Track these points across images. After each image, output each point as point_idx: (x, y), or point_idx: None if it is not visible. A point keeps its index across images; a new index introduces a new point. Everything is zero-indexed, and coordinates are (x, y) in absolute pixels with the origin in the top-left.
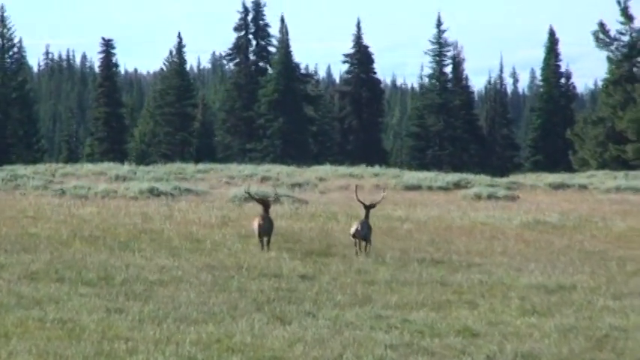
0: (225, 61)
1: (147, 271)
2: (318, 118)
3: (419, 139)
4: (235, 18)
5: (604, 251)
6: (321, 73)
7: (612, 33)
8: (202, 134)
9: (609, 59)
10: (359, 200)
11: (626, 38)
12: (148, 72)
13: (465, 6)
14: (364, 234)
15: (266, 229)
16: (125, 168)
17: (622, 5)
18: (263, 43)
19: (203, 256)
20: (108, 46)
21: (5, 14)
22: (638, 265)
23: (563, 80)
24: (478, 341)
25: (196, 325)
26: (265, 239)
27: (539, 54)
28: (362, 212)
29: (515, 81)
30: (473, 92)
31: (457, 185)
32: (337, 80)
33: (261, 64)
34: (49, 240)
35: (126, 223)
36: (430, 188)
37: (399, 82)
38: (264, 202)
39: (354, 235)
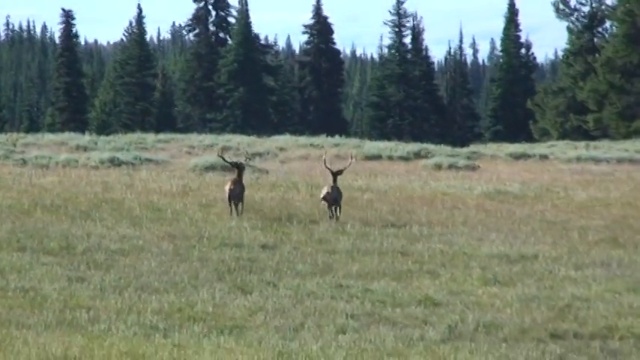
0: (184, 32)
1: (108, 240)
2: (278, 88)
3: (379, 109)
4: None
5: (565, 221)
6: (281, 44)
7: (572, 3)
8: (162, 104)
9: (569, 30)
10: (327, 167)
11: (586, 9)
12: (109, 42)
13: None
14: (334, 197)
15: (237, 193)
16: (86, 138)
17: None
18: (222, 13)
19: (164, 225)
20: (68, 16)
21: None
22: (599, 235)
23: (523, 50)
24: (440, 311)
25: (158, 294)
26: (235, 203)
27: (499, 24)
28: (330, 179)
29: (475, 51)
30: (433, 62)
31: (417, 155)
32: (297, 51)
33: (220, 34)
34: (11, 209)
35: (87, 192)
36: (390, 158)
37: (358, 53)
38: (238, 166)
39: (324, 198)
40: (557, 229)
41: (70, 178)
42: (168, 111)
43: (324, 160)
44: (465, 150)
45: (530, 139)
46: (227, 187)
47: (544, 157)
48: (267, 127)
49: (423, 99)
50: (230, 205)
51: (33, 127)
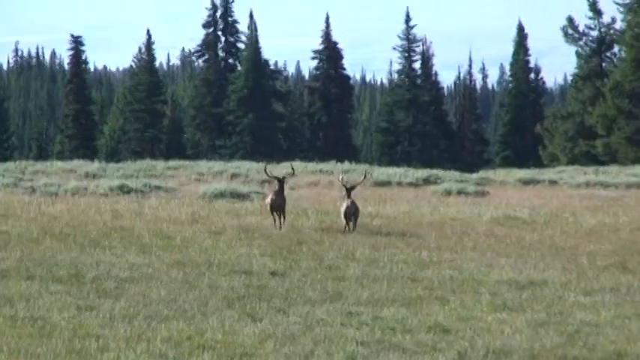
0: (194, 58)
1: (117, 268)
2: (287, 114)
3: (388, 134)
4: (204, 14)
5: (575, 246)
6: (290, 70)
7: (581, 28)
8: (172, 131)
9: (578, 54)
10: (342, 183)
11: (594, 33)
12: (118, 69)
13: (433, 1)
14: (354, 211)
15: (279, 204)
16: (95, 165)
17: (591, 0)
18: (232, 39)
19: (173, 253)
20: (77, 43)
21: None
22: (608, 260)
23: (532, 75)
24: (449, 337)
25: (167, 322)
26: (277, 214)
27: (508, 49)
28: (344, 195)
29: (485, 76)
30: (442, 88)
31: (427, 181)
32: (306, 76)
33: (230, 60)
34: (20, 237)
35: (96, 220)
36: (400, 184)
37: (368, 78)
38: (280, 179)
39: (345, 214)
40: (566, 255)
41: (79, 206)
42: (177, 138)
43: (341, 178)
44: (474, 176)
45: (539, 164)
46: (268, 199)
47: (553, 182)
48: (277, 154)
49: (432, 124)
50: (273, 215)
51: (42, 155)
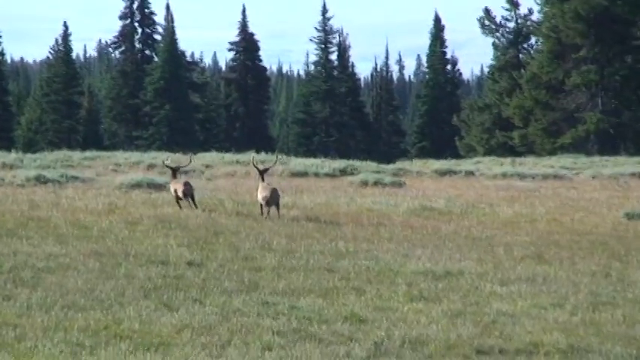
0: (111, 49)
1: (34, 258)
2: (204, 105)
3: (305, 125)
4: (121, 6)
5: (491, 237)
6: (207, 61)
7: (498, 19)
8: (89, 122)
9: (495, 45)
10: (254, 165)
11: (511, 24)
12: (35, 60)
13: None
14: (277, 197)
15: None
16: (12, 156)
17: None
18: (149, 31)
19: (90, 243)
20: None
21: None
22: (525, 251)
23: (449, 67)
24: (366, 327)
25: (84, 311)
26: (190, 200)
27: (425, 40)
28: (258, 177)
29: (401, 67)
30: (359, 79)
31: (343, 172)
32: (223, 68)
33: (147, 52)
34: None
35: (13, 210)
36: (317, 175)
37: (284, 69)
38: (173, 168)
39: (268, 200)
40: (483, 245)
41: None
42: (94, 129)
43: (253, 161)
44: (390, 167)
45: (456, 155)
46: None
47: (470, 173)
48: (194, 145)
49: (349, 115)
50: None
51: None
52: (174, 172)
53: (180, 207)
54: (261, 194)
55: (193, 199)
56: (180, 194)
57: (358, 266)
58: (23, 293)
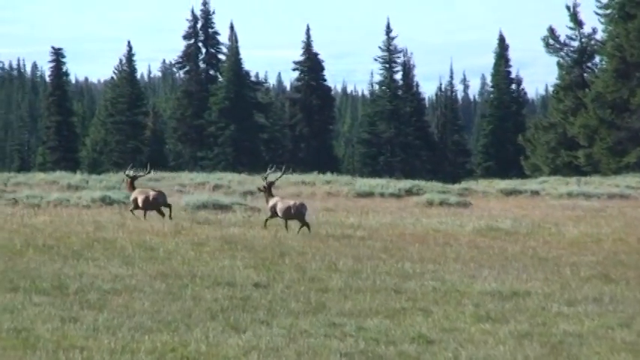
0: (175, 69)
1: (101, 279)
2: (269, 125)
3: (370, 146)
4: (185, 26)
5: (557, 257)
6: (272, 81)
7: (562, 39)
8: (154, 142)
9: (559, 65)
10: (262, 187)
11: (575, 44)
12: (99, 80)
13: (414, 12)
14: (304, 212)
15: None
16: (77, 177)
17: (571, 11)
18: (213, 50)
19: (157, 264)
20: (58, 55)
21: None
22: (591, 270)
23: (513, 86)
24: (433, 348)
25: (151, 333)
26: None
27: (489, 60)
28: (266, 195)
29: (466, 87)
30: (423, 99)
31: (409, 192)
32: (288, 87)
33: (211, 71)
34: (3, 249)
35: (79, 231)
36: (382, 195)
37: (349, 89)
38: (131, 177)
39: (286, 212)
40: (549, 266)
41: (61, 217)
42: (159, 149)
43: (265, 177)
44: (456, 186)
45: (521, 174)
46: (283, 206)
47: (535, 193)
48: (259, 165)
49: (414, 135)
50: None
51: (24, 167)
52: (132, 181)
53: (134, 214)
54: (278, 207)
55: (160, 211)
56: (140, 204)
57: (425, 287)
58: (90, 315)
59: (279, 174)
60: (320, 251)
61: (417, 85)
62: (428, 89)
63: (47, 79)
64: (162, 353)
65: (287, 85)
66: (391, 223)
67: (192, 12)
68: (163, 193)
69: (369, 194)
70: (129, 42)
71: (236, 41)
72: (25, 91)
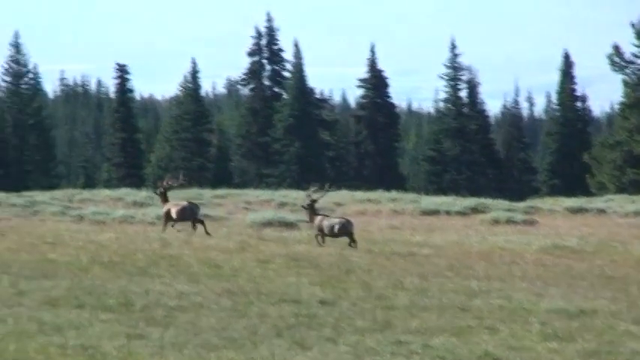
0: (239, 86)
1: (166, 296)
2: (334, 142)
3: (435, 163)
4: (249, 43)
5: (624, 276)
6: (337, 98)
7: (627, 56)
8: (219, 159)
9: (625, 82)
10: (305, 205)
11: None
12: (164, 97)
13: (479, 30)
14: (350, 229)
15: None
16: (142, 193)
17: (636, 28)
18: (277, 67)
19: (222, 281)
20: (122, 71)
21: (20, 40)
22: None
23: (579, 104)
24: None
25: (217, 351)
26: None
27: (554, 77)
28: (310, 213)
29: (531, 105)
30: (489, 116)
31: (475, 210)
32: (352, 105)
33: (275, 89)
34: (69, 266)
35: (144, 248)
36: (448, 213)
37: (414, 107)
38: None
39: (339, 231)
40: (616, 284)
41: (127, 234)
42: (224, 166)
43: (308, 195)
44: (522, 204)
45: (587, 192)
46: (329, 224)
47: (602, 211)
48: (324, 182)
49: (479, 153)
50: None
51: (89, 183)
52: (165, 193)
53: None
54: (324, 225)
55: (197, 223)
56: (174, 215)
57: (491, 305)
58: (156, 332)
59: (321, 192)
60: (386, 269)
61: (482, 103)
62: (493, 107)
63: (112, 95)
64: None
65: (352, 102)
66: (457, 241)
67: (257, 29)
68: (197, 205)
69: (434, 212)
70: (193, 59)
71: (300, 58)
72: (90, 108)
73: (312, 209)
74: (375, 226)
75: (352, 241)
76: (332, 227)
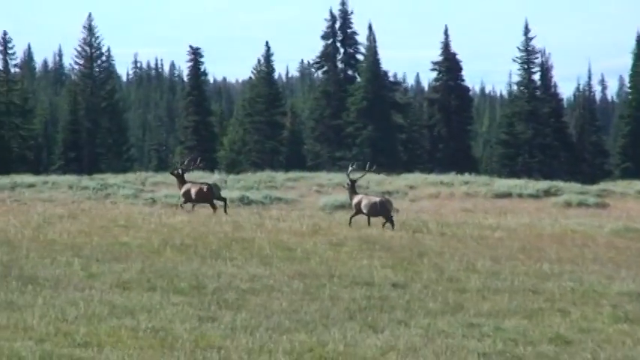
0: (313, 70)
1: (238, 279)
2: (407, 125)
3: (508, 146)
4: (323, 26)
5: None
6: (410, 81)
7: None
8: (292, 142)
9: None
10: (346, 185)
11: None
12: (237, 80)
13: (552, 13)
14: (389, 208)
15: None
16: (215, 177)
17: None
18: (351, 50)
19: (294, 264)
20: (196, 54)
21: (93, 23)
22: None
23: None
24: (571, 349)
25: (289, 333)
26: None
27: (627, 61)
28: (350, 192)
29: (604, 88)
30: (562, 99)
31: (547, 193)
32: (426, 88)
33: (349, 72)
34: (141, 249)
35: (217, 231)
36: (520, 196)
37: (487, 90)
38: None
39: (377, 209)
40: None
41: (199, 217)
42: (297, 149)
43: (348, 175)
44: (594, 187)
45: None
46: (368, 202)
47: None
48: (397, 165)
49: (552, 136)
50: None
51: (162, 166)
52: (183, 174)
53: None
54: (363, 204)
55: (213, 205)
56: (193, 196)
57: (563, 287)
58: (227, 315)
59: (360, 173)
60: (458, 251)
61: (555, 86)
62: (566, 90)
63: (185, 78)
64: (300, 353)
65: (425, 85)
66: (529, 224)
67: (331, 12)
68: (218, 185)
69: (507, 195)
70: (267, 42)
71: (374, 41)
72: (163, 91)
73: (352, 189)
74: (447, 208)
75: (389, 222)
76: (374, 205)
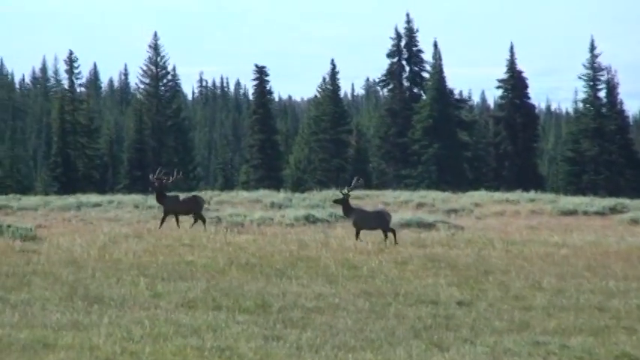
0: (378, 88)
1: (304, 298)
2: (472, 143)
3: (574, 164)
4: (388, 44)
5: None
6: (475, 99)
7: None
8: (357, 161)
9: None
10: (341, 196)
11: None
12: (302, 98)
13: (619, 29)
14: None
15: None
16: (281, 195)
17: None
18: (416, 68)
19: (360, 282)
20: (261, 73)
21: (159, 42)
22: None
23: None
24: None
25: (354, 352)
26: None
27: None
28: (342, 207)
29: None
30: (627, 116)
31: (613, 210)
32: (491, 105)
33: (414, 89)
34: (206, 268)
35: (282, 250)
36: (586, 213)
37: (553, 107)
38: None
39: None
40: None
41: (265, 236)
42: (362, 167)
43: (345, 189)
44: None
45: None
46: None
47: None
48: (463, 183)
49: (618, 153)
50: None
51: (227, 185)
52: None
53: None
54: (359, 216)
55: (196, 217)
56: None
57: (629, 305)
58: (293, 334)
59: (351, 186)
60: (524, 269)
61: (621, 103)
62: (632, 107)
63: (251, 97)
64: None
65: (490, 103)
66: (595, 242)
67: (396, 30)
68: (200, 197)
69: (572, 212)
70: (332, 60)
71: (440, 59)
72: (229, 110)
73: (346, 203)
74: (513, 226)
75: (390, 234)
76: (367, 218)
